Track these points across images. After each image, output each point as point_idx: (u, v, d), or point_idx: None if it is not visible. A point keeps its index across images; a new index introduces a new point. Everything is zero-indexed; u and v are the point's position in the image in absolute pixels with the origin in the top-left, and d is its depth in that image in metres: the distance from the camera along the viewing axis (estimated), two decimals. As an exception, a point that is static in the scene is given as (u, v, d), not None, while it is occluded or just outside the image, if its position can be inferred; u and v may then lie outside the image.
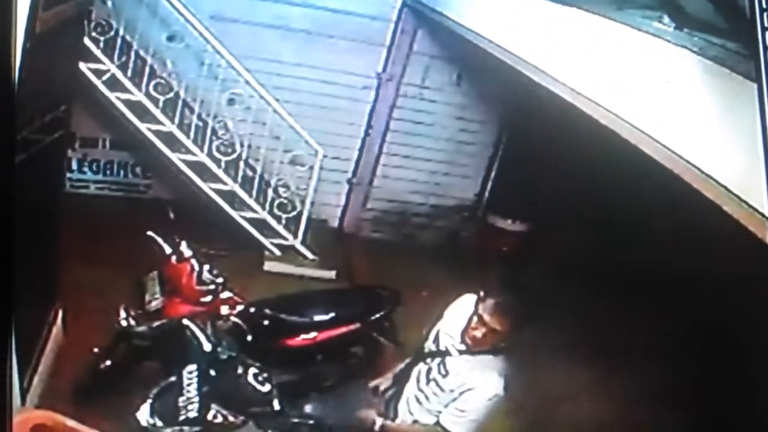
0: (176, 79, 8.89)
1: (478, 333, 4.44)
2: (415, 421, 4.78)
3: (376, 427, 4.79)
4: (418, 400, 4.76)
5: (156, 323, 5.94)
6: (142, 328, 5.92)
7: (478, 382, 4.49)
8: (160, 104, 8.70)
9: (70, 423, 4.16)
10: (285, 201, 9.33)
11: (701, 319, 7.11)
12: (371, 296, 7.02)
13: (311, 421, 5.26)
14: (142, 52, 8.75)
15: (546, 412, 7.08)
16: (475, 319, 4.45)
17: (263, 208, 9.20)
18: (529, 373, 5.53)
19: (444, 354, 4.71)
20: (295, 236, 9.31)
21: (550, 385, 7.21)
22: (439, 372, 4.68)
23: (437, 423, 4.64)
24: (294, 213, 9.34)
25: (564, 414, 7.08)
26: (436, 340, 4.82)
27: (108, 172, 9.88)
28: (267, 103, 9.03)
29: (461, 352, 4.62)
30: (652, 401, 6.96)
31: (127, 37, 8.62)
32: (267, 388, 5.14)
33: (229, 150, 9.02)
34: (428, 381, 4.72)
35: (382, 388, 5.07)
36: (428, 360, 4.79)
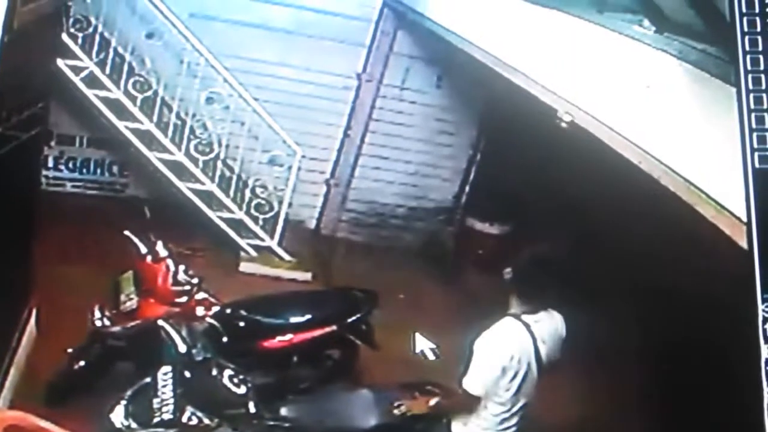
0: (155, 77, 8.85)
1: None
2: None
3: None
4: None
5: (131, 323, 5.91)
6: (116, 329, 5.89)
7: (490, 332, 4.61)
8: (138, 102, 8.66)
9: (44, 424, 4.10)
10: (262, 201, 9.29)
11: (677, 320, 7.14)
12: (348, 298, 6.95)
13: (287, 424, 5.26)
14: (120, 50, 8.69)
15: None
16: None
17: (240, 209, 9.15)
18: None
19: None
20: (272, 237, 9.26)
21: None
22: None
23: None
24: (271, 213, 9.29)
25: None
26: None
27: (85, 170, 9.75)
28: (246, 102, 9.00)
29: None
30: (631, 403, 6.97)
31: (106, 34, 8.58)
32: (243, 390, 5.12)
33: (207, 149, 9.00)
34: None
35: None
36: None
